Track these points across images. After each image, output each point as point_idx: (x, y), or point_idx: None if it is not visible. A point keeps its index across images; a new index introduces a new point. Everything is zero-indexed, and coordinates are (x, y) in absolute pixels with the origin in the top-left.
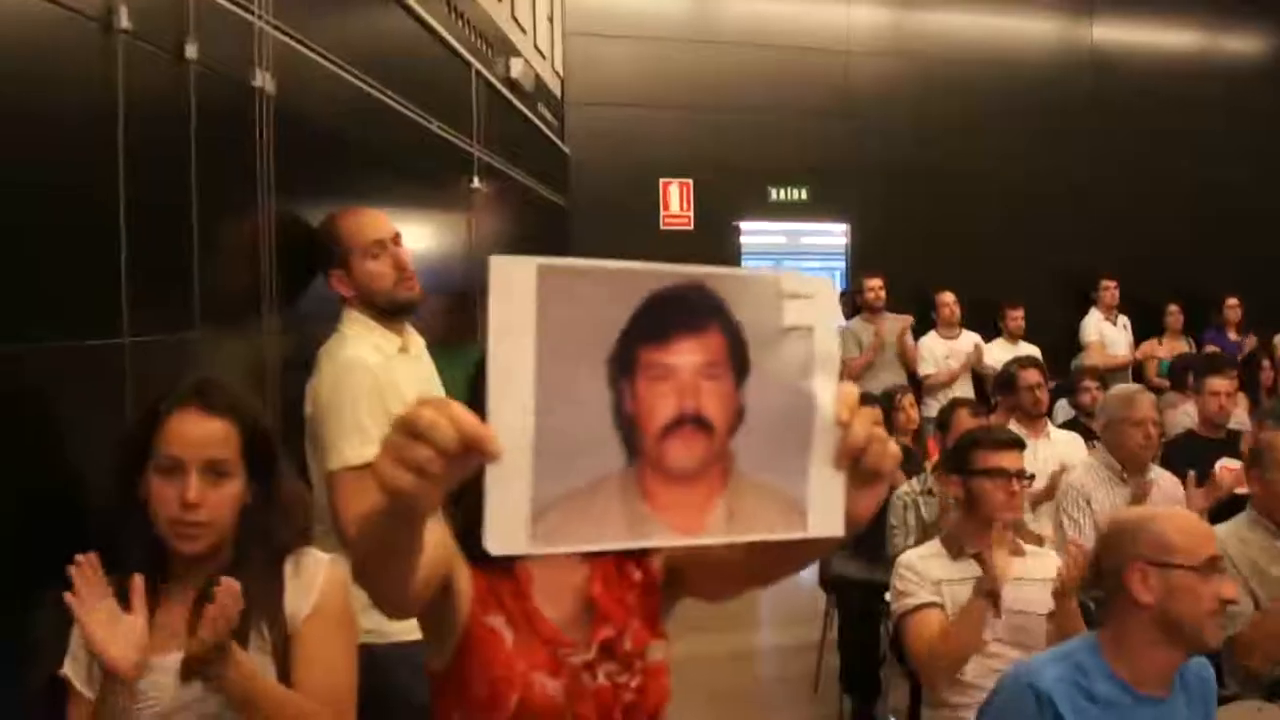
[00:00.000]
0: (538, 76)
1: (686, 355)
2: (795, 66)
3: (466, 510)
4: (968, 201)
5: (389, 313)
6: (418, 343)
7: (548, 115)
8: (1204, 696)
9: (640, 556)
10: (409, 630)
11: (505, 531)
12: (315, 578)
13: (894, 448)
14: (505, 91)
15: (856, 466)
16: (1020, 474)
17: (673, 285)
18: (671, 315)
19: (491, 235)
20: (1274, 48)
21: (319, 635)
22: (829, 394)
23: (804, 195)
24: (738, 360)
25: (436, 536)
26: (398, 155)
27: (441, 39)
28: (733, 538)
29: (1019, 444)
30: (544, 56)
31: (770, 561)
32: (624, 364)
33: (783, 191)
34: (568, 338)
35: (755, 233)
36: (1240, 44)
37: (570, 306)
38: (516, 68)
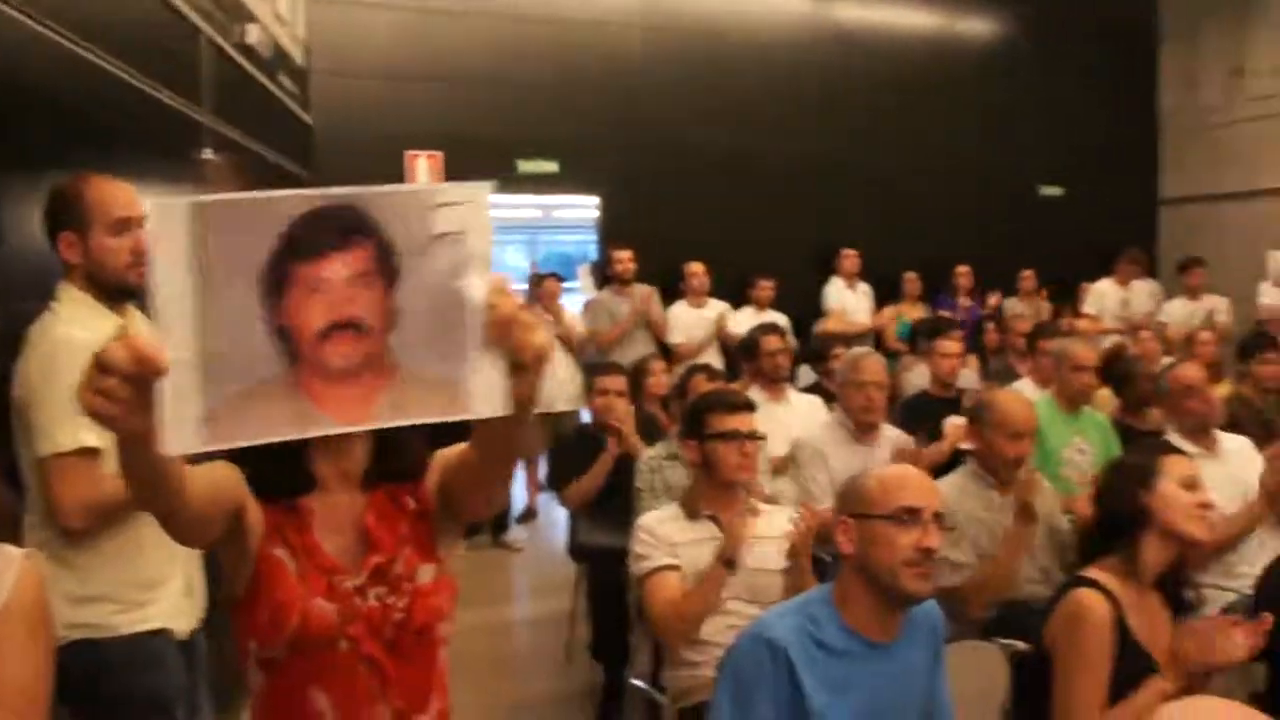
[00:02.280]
0: (277, 44)
1: (337, 268)
2: (546, 39)
3: (251, 454)
4: (717, 175)
5: (113, 294)
6: (140, 325)
7: (289, 84)
8: (933, 639)
9: (413, 486)
10: (136, 623)
11: (179, 435)
12: (3, 575)
13: (543, 333)
14: (240, 58)
15: (509, 349)
16: (753, 435)
17: (323, 207)
18: (322, 234)
19: None
20: (1010, 29)
21: (6, 634)
22: (481, 288)
23: (555, 168)
24: (388, 268)
25: (222, 474)
26: (115, 122)
27: (164, 1)
28: (398, 421)
29: (750, 406)
30: (285, 23)
31: (490, 453)
32: (278, 280)
33: (533, 164)
34: (225, 263)
35: (506, 205)
36: (979, 25)
37: (226, 235)
38: (253, 34)
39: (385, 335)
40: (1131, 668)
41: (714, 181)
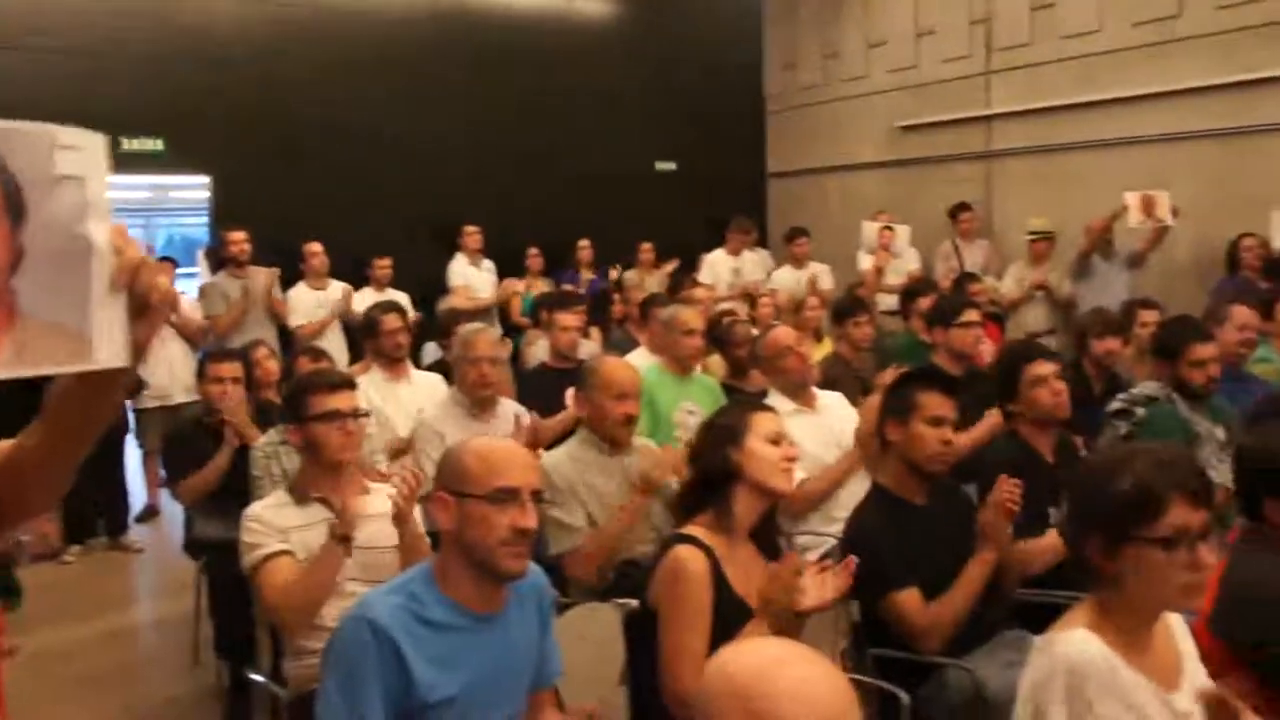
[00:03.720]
0: None
1: None
2: (148, 12)
3: None
4: (334, 153)
5: None
6: None
7: None
8: (539, 606)
9: None
10: None
11: None
12: None
13: (164, 278)
14: None
15: (136, 292)
16: (356, 413)
17: None
18: None
19: None
20: (626, 11)
21: None
22: (103, 234)
23: (160, 146)
24: (14, 205)
25: None
26: None
27: None
28: (24, 372)
29: (350, 384)
30: None
31: (67, 429)
32: None
33: (137, 142)
34: None
35: (115, 186)
36: (597, 6)
37: None
38: None
39: (9, 277)
40: (730, 617)
41: (331, 160)
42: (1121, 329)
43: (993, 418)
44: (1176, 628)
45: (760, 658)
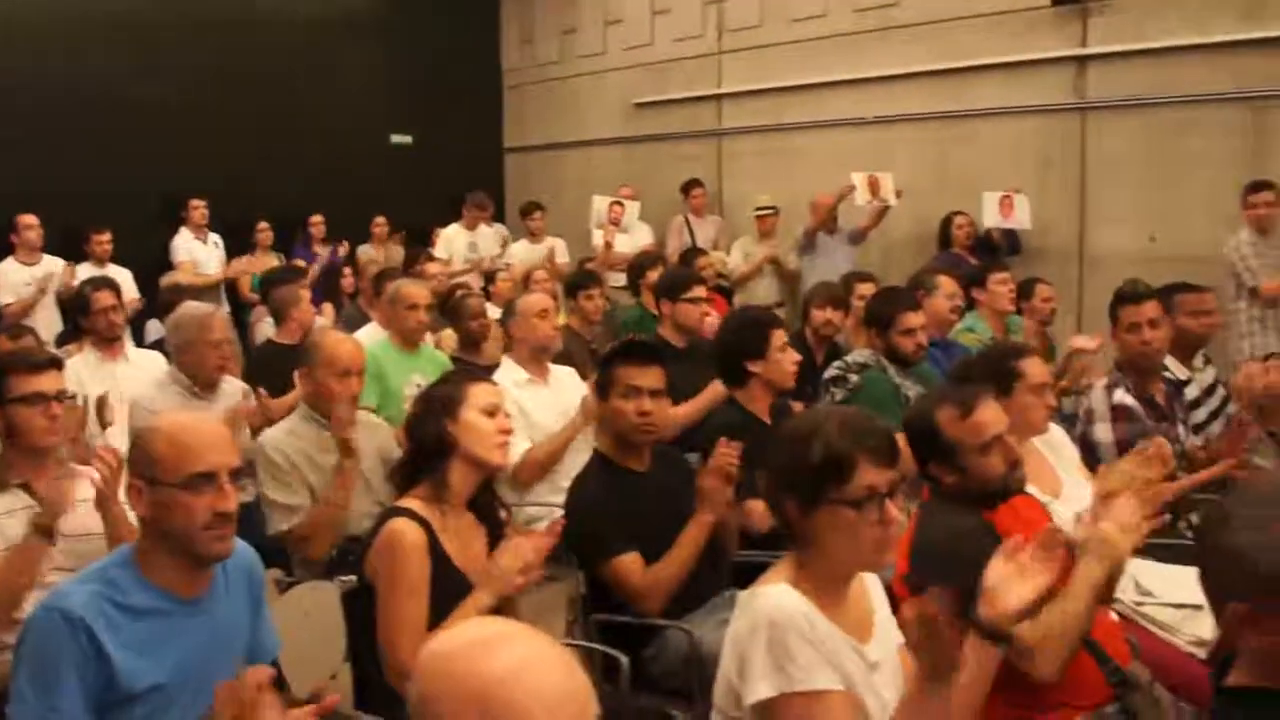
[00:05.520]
0: None
1: None
2: None
3: None
4: (47, 120)
5: None
6: None
7: None
8: (250, 585)
9: None
10: None
11: None
12: None
13: None
14: None
15: None
16: (61, 395)
17: None
18: None
19: None
20: None
21: None
22: None
23: None
24: None
25: None
26: None
27: None
28: None
29: (56, 364)
30: None
31: None
32: None
33: None
34: None
35: None
36: None
37: None
38: None
39: None
40: (449, 588)
41: (47, 127)
42: (841, 301)
43: (714, 387)
44: (870, 585)
45: (477, 638)
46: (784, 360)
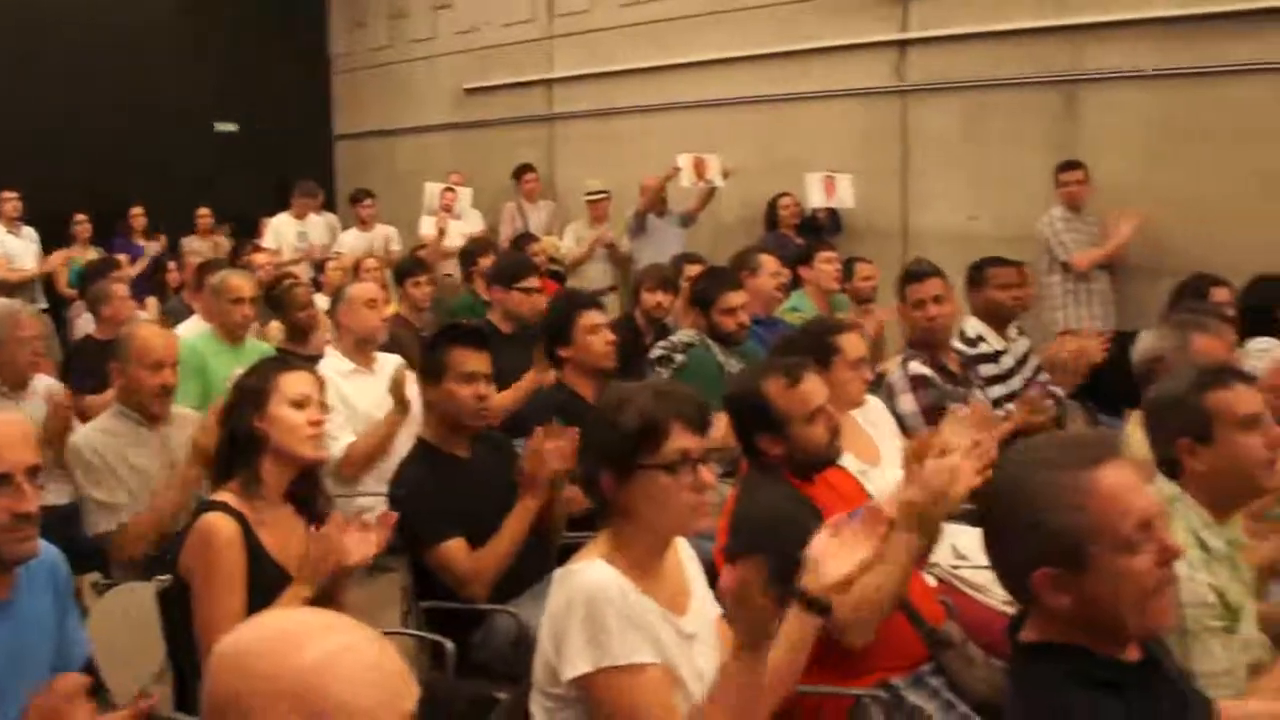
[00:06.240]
0: None
1: None
2: None
3: None
4: None
5: None
6: None
7: None
8: (55, 586)
9: None
10: None
11: None
12: None
13: None
14: None
15: None
16: None
17: None
18: None
19: None
20: None
21: None
22: None
23: None
24: None
25: None
26: None
27: None
28: None
29: None
30: None
31: None
32: None
33: None
34: None
35: None
36: None
37: None
38: None
39: None
40: (267, 582)
41: None
42: (671, 283)
43: (531, 375)
44: (687, 558)
45: (280, 631)
46: (594, 341)
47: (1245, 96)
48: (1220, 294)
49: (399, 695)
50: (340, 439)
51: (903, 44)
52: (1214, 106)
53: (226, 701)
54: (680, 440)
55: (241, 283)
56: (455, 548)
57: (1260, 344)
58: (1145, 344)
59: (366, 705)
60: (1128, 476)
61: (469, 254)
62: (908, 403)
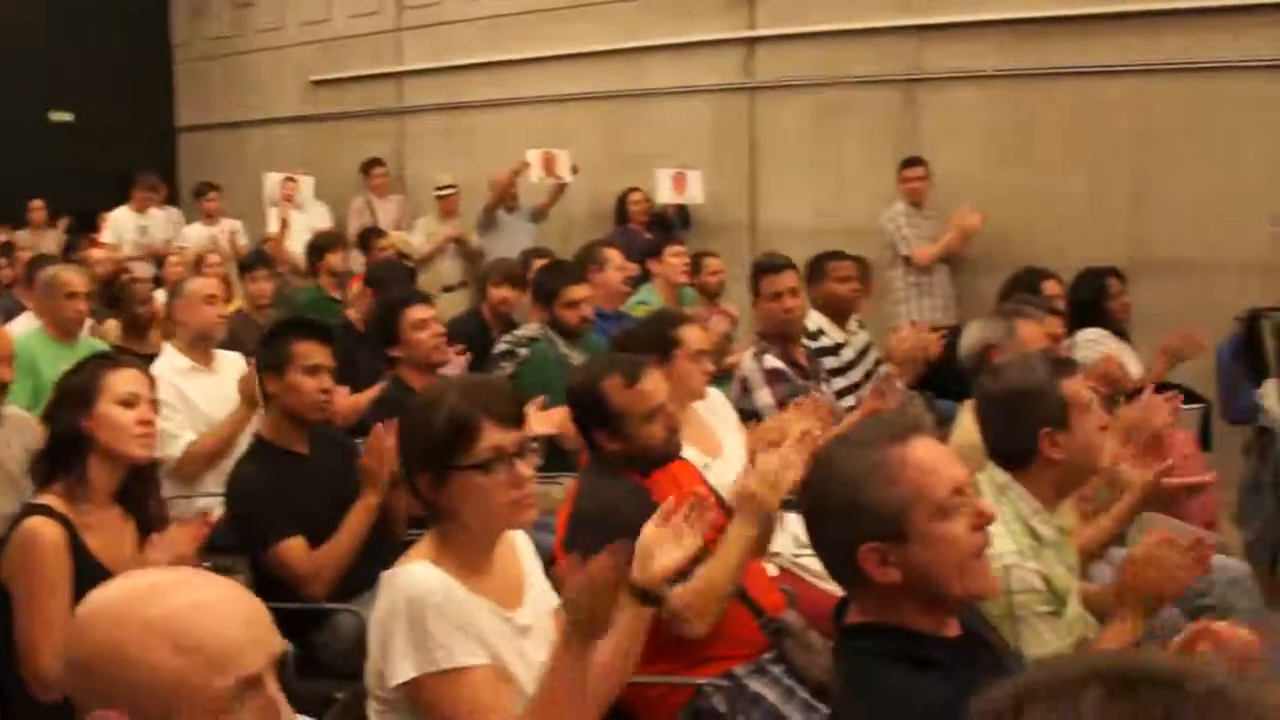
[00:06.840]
0: None
1: None
2: None
3: None
4: None
5: None
6: None
7: None
8: None
9: None
10: None
11: None
12: None
13: None
14: None
15: None
16: None
17: None
18: None
19: None
20: None
21: None
22: None
23: None
24: None
25: None
26: None
27: None
28: None
29: None
30: None
31: None
32: None
33: None
34: None
35: None
36: None
37: None
38: None
39: None
40: (93, 588)
41: None
42: (518, 278)
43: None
44: (522, 550)
45: (142, 584)
46: (422, 338)
47: (1078, 97)
48: (1050, 286)
49: (266, 637)
50: (181, 438)
51: (751, 41)
52: (1048, 106)
53: (99, 654)
54: (492, 437)
55: (73, 277)
56: (294, 546)
57: (1089, 334)
58: (972, 334)
59: (237, 643)
60: (936, 448)
61: (317, 248)
62: (765, 396)
